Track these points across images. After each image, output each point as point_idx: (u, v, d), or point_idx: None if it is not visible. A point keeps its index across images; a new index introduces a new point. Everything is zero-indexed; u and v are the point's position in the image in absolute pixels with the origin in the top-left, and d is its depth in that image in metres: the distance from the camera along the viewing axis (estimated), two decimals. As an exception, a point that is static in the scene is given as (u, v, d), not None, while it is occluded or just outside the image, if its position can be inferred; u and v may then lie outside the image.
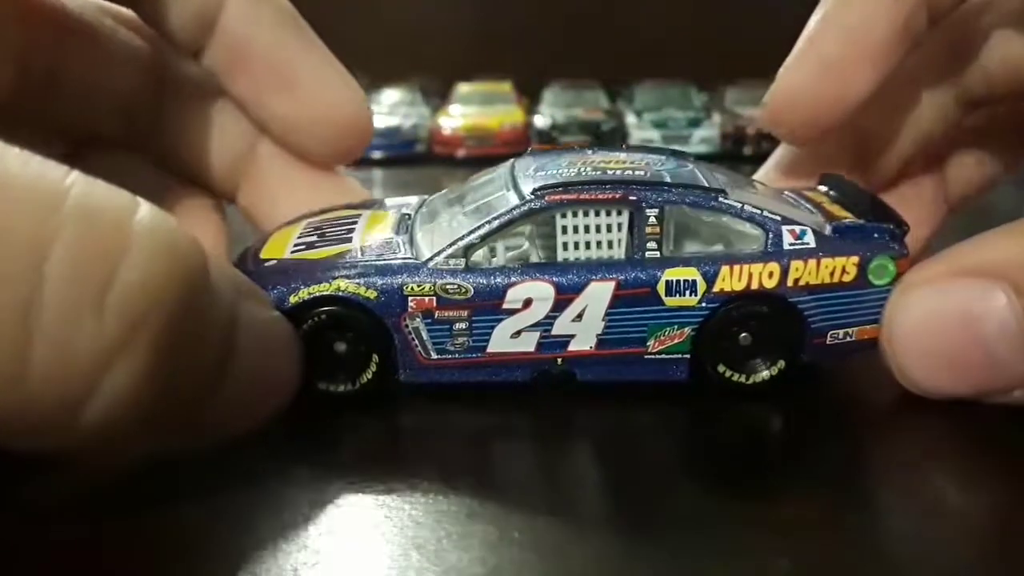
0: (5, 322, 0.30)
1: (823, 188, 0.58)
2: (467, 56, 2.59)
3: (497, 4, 2.79)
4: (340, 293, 0.48)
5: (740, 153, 2.17)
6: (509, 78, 2.50)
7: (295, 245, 0.52)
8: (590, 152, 0.55)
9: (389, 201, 0.59)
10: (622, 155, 0.54)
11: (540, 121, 2.28)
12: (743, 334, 0.49)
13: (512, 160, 0.55)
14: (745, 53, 2.49)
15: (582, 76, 2.48)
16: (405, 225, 0.53)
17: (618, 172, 0.51)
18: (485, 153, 2.15)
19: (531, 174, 0.52)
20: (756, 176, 0.63)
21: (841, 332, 0.49)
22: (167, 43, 0.58)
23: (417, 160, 2.22)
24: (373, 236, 0.52)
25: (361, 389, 0.49)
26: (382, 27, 2.70)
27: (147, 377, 0.33)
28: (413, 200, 0.58)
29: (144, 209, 0.34)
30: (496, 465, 0.44)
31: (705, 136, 2.20)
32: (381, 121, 2.24)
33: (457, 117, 2.28)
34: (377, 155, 2.19)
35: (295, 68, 0.58)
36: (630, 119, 2.28)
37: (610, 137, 2.24)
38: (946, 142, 0.65)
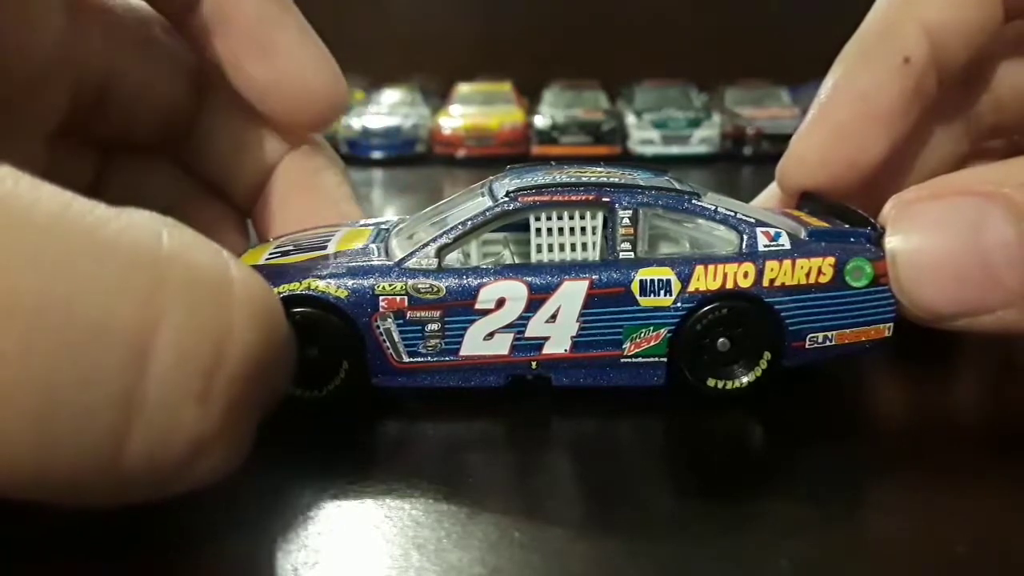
0: (103, 415, 0.28)
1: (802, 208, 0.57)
2: (467, 56, 2.60)
3: (497, 5, 2.79)
4: (311, 292, 0.47)
5: (740, 153, 2.17)
6: (509, 78, 2.50)
7: (270, 254, 0.52)
8: (567, 166, 0.54)
9: (370, 220, 0.59)
10: (599, 168, 0.54)
11: (540, 121, 2.27)
12: (721, 339, 0.48)
13: (491, 177, 0.55)
14: (745, 53, 2.50)
15: (582, 76, 2.48)
16: (382, 236, 0.53)
17: (593, 179, 0.50)
18: (485, 153, 2.16)
19: (507, 184, 0.52)
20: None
21: (820, 336, 0.49)
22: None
23: (417, 160, 2.22)
24: (349, 245, 0.52)
25: (329, 395, 0.48)
26: (383, 27, 2.71)
27: (238, 447, 0.32)
28: (394, 219, 0.58)
29: (235, 272, 0.32)
30: (496, 466, 0.44)
31: (705, 136, 2.19)
32: (381, 121, 2.25)
33: (457, 117, 2.28)
34: (377, 155, 2.19)
35: (275, 36, 0.58)
36: (630, 119, 2.27)
37: (610, 137, 2.23)
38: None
